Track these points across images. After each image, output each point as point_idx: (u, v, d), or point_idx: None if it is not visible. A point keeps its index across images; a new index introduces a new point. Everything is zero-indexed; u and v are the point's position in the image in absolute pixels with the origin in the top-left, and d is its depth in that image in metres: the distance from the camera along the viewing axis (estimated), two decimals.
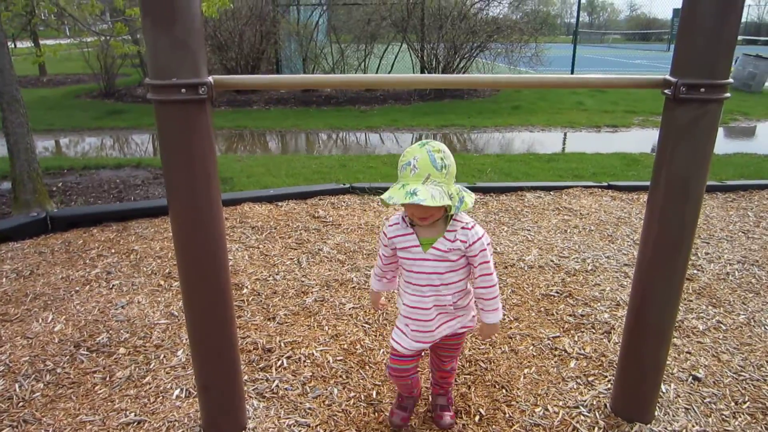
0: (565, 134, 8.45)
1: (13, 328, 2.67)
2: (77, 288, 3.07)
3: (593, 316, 2.79)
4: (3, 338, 2.57)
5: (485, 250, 1.67)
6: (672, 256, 1.82)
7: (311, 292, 3.02)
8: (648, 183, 1.87)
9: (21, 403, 2.14)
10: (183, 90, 1.48)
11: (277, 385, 2.24)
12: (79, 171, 5.99)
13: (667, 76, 1.67)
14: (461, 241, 1.64)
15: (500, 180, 5.36)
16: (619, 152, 6.69)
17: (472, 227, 1.66)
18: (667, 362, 2.34)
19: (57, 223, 3.94)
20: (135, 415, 2.06)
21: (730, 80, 1.63)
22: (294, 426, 2.01)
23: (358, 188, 4.78)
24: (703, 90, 1.61)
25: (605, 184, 5.10)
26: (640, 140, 7.81)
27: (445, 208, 1.61)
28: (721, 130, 8.58)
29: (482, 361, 2.41)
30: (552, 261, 3.47)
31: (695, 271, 3.35)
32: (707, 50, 1.59)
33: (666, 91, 1.67)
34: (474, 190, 4.89)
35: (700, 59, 1.61)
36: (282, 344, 2.52)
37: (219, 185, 1.68)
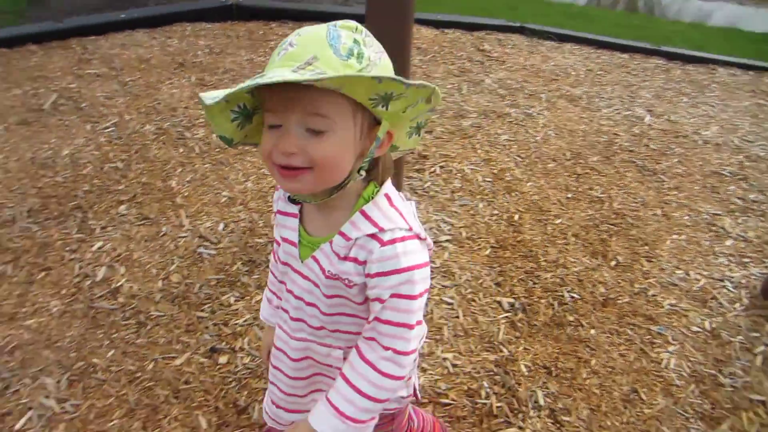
0: None
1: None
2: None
3: (767, 204, 2.57)
4: None
5: (413, 297, 0.79)
6: None
7: (468, 117, 3.06)
8: None
9: (217, 149, 2.56)
10: None
11: (429, 186, 2.43)
12: None
13: None
14: (356, 261, 0.79)
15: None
16: None
17: (395, 240, 0.78)
18: None
19: (241, 12, 4.22)
20: None
21: None
22: (440, 222, 2.21)
23: (529, 29, 4.46)
24: None
25: None
26: None
27: (357, 173, 0.79)
28: None
29: (630, 216, 2.38)
30: (732, 141, 3.12)
31: None
32: None
33: None
34: (656, 53, 4.37)
35: None
36: (437, 155, 2.66)
37: None
